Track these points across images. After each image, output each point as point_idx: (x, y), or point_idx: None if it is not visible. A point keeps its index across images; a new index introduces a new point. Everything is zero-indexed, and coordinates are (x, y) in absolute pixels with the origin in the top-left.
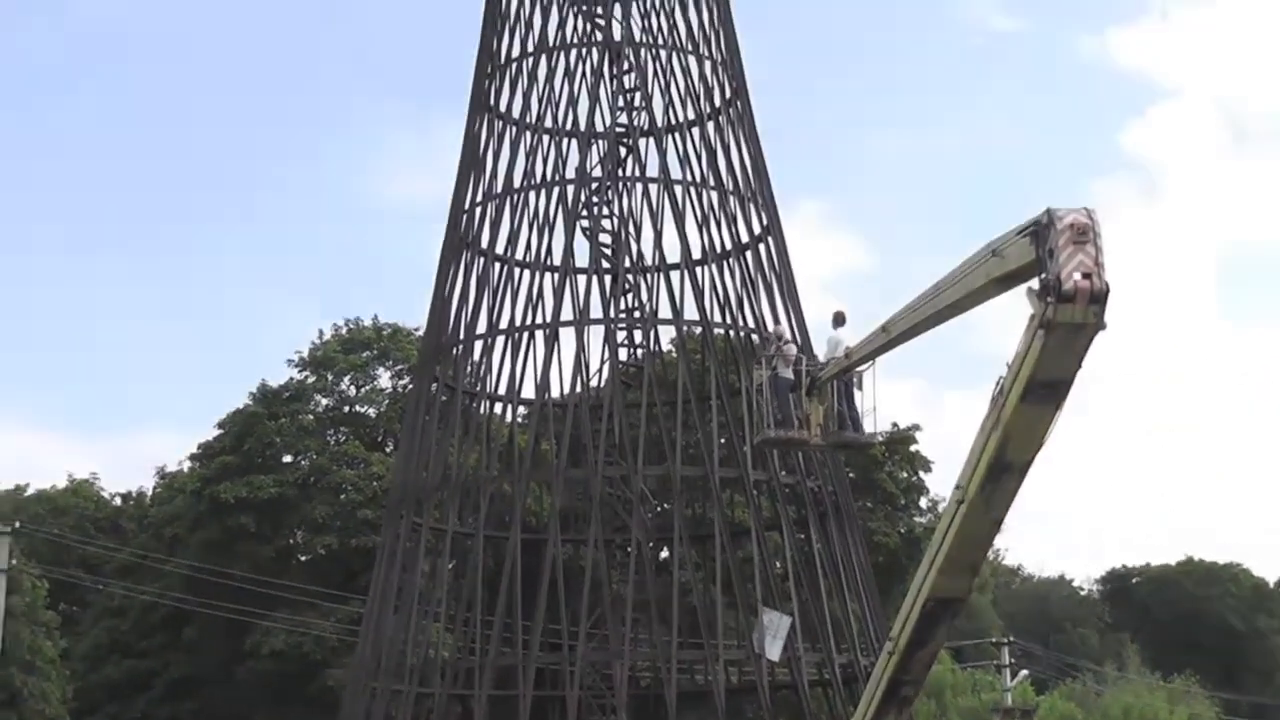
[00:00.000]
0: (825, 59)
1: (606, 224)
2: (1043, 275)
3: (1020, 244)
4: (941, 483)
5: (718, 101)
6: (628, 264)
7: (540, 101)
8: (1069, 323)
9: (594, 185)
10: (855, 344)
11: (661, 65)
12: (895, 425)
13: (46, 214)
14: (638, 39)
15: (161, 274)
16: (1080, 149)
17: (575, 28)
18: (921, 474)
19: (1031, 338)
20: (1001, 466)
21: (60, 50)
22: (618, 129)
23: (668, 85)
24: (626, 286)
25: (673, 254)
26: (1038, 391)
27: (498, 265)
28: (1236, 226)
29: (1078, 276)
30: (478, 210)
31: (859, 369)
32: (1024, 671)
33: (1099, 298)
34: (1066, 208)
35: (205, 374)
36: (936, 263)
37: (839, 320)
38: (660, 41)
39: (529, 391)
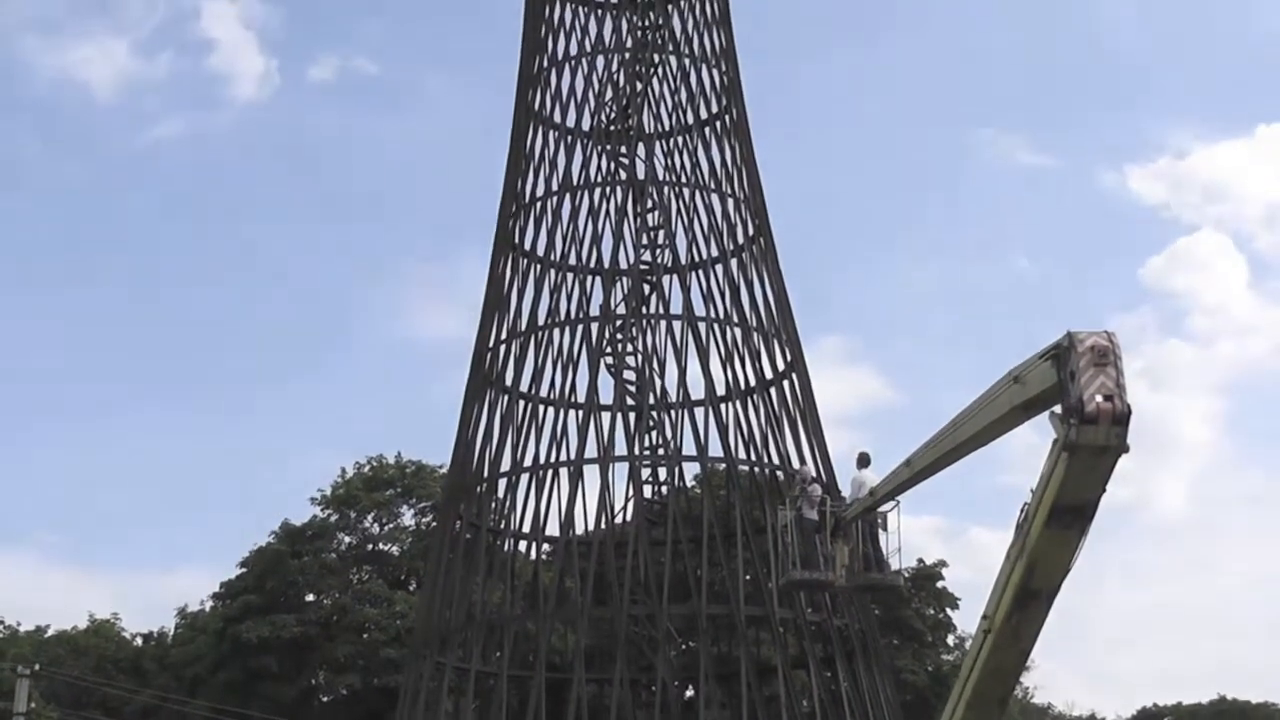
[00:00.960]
0: (849, 191)
1: (630, 361)
2: (1065, 399)
3: (1042, 368)
4: (968, 619)
5: (740, 239)
6: (652, 401)
7: (564, 240)
8: (1092, 445)
9: (618, 322)
10: (880, 480)
11: (685, 203)
12: (921, 561)
13: (74, 361)
14: (661, 177)
15: (184, 413)
16: (1103, 283)
17: (599, 167)
18: (948, 610)
19: (1055, 461)
20: (1028, 594)
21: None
22: (641, 266)
23: (691, 223)
24: (651, 423)
25: (697, 390)
26: (1063, 516)
27: (522, 403)
28: (1255, 358)
29: (1099, 398)
30: (502, 348)
31: (884, 509)
32: None
33: (1121, 419)
34: (1087, 331)
35: (228, 512)
36: (960, 396)
37: (863, 461)
38: (683, 180)
39: (553, 529)
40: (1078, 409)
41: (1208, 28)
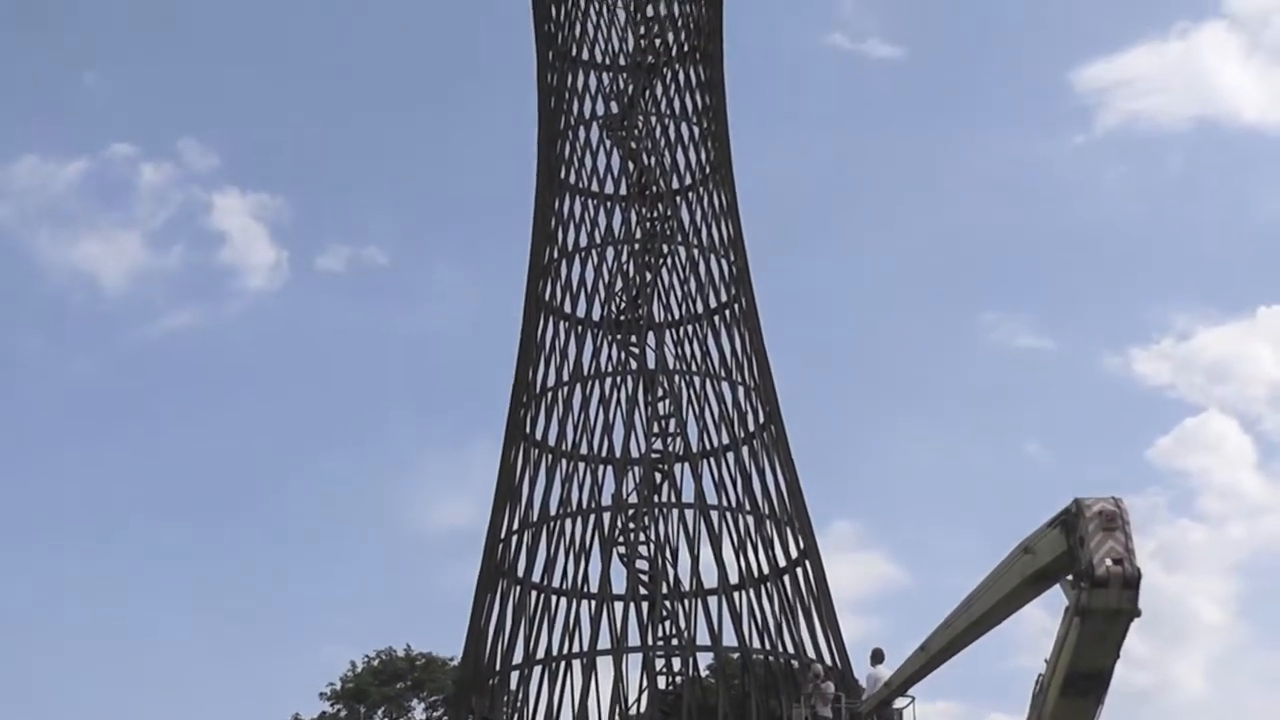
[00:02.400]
0: (857, 376)
1: (643, 550)
2: (1075, 564)
3: (1051, 536)
4: None
5: (751, 426)
6: (665, 590)
7: (575, 429)
8: (1104, 609)
9: (630, 512)
10: (895, 670)
11: (695, 392)
12: None
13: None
14: (671, 366)
15: (187, 605)
16: (1111, 464)
17: (610, 356)
18: None
19: (1068, 627)
20: None
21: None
22: (653, 455)
23: (702, 411)
24: (664, 613)
25: (710, 579)
26: (1078, 683)
27: (534, 593)
28: (1267, 539)
29: (1109, 562)
30: (514, 538)
31: (899, 704)
32: None
33: (1132, 583)
34: (1094, 497)
35: (235, 706)
36: (974, 579)
37: (877, 658)
38: (694, 368)
39: None
40: (1088, 573)
41: (1206, 212)
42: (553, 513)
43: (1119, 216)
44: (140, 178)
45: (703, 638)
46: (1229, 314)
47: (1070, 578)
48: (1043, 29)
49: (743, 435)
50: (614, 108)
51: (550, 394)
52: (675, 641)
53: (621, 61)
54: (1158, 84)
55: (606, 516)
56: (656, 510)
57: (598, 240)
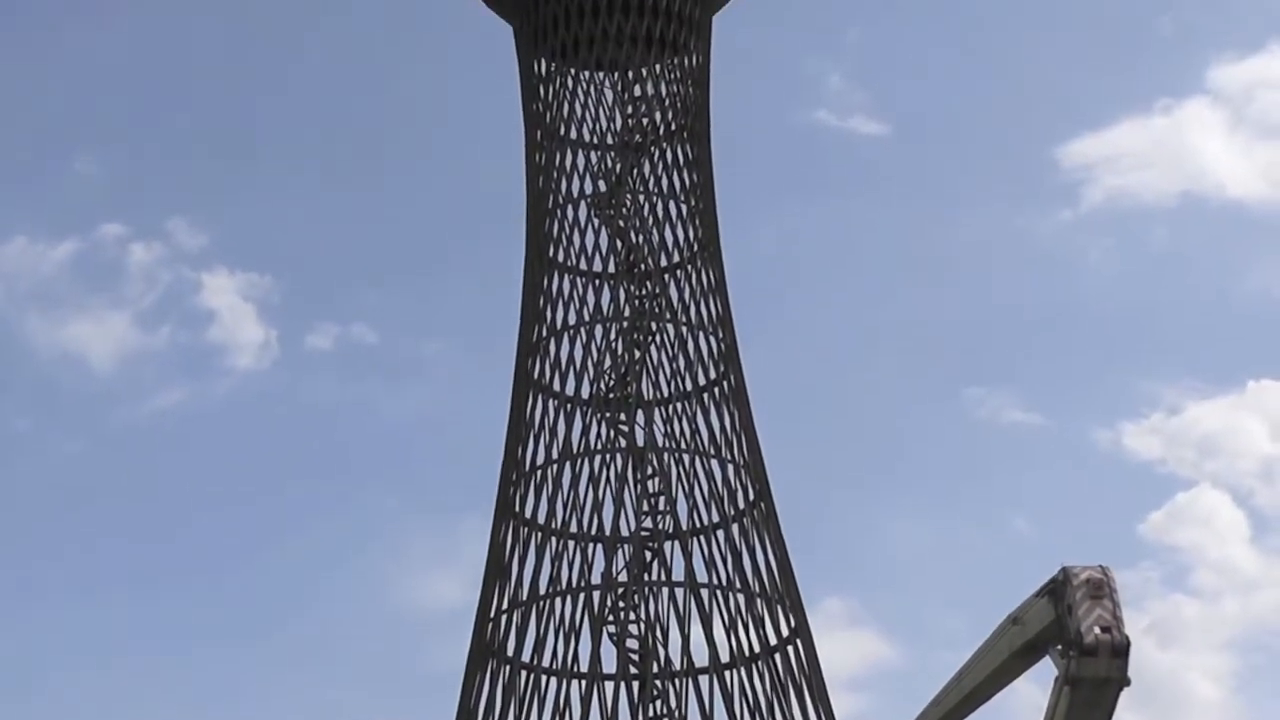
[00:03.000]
0: (845, 454)
1: (633, 629)
2: (1063, 632)
3: (1039, 605)
4: None
5: (741, 504)
6: (656, 670)
7: (565, 507)
8: (1093, 677)
9: (620, 591)
10: None
11: (685, 469)
12: None
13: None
14: (661, 444)
15: (170, 677)
16: (1103, 539)
17: (599, 434)
18: None
19: (1058, 697)
20: None
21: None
22: (643, 533)
23: (691, 489)
24: (655, 693)
25: (701, 658)
26: None
27: (524, 673)
28: (1261, 615)
29: (1098, 630)
30: (503, 617)
31: None
32: None
33: (1121, 650)
34: (1081, 565)
35: None
36: (963, 655)
37: None
38: (683, 446)
39: None
40: (1076, 641)
41: (1193, 286)
42: (542, 591)
43: (1106, 291)
44: (130, 257)
45: (694, 717)
46: (1218, 388)
47: (1059, 646)
48: (1027, 105)
49: (733, 513)
50: (602, 186)
51: (540, 472)
52: None
53: (610, 140)
54: (1143, 160)
55: (596, 595)
56: (647, 589)
57: (586, 318)
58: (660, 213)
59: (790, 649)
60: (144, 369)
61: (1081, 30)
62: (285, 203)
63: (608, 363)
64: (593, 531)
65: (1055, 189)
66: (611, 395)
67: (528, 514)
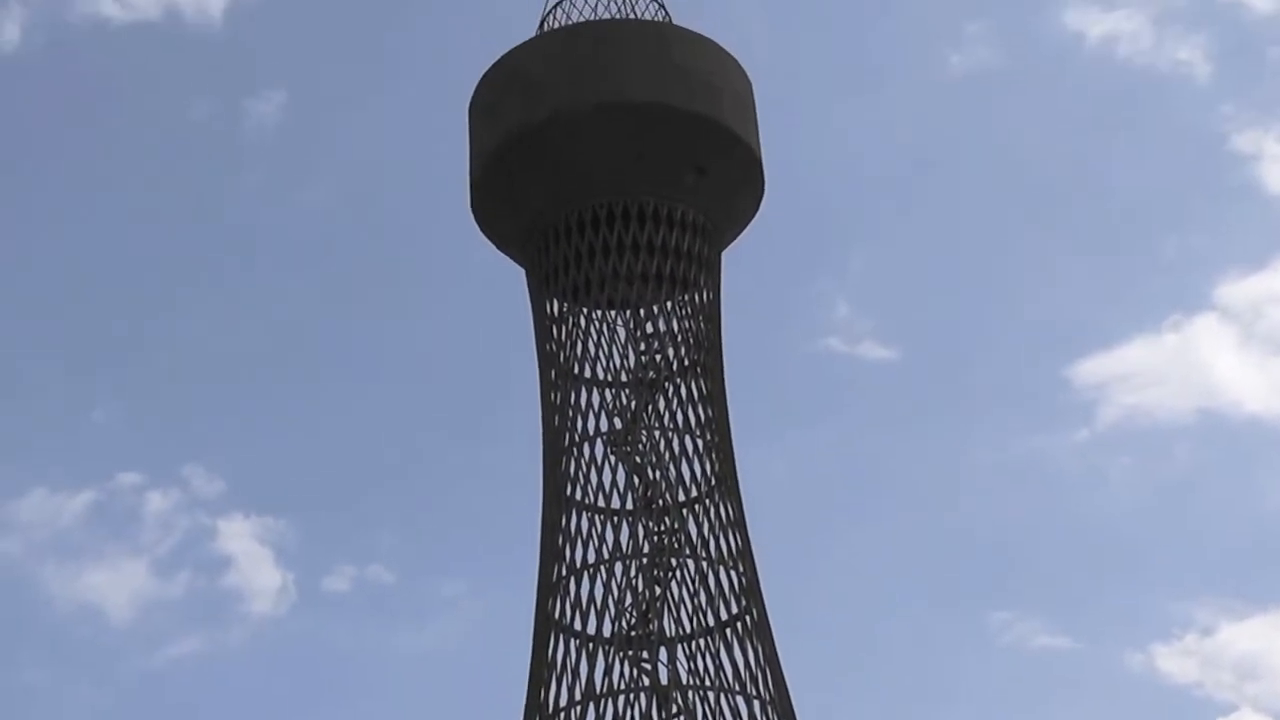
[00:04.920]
0: (870, 684)
1: None
2: None
3: None
4: None
5: None
6: None
7: None
8: None
9: None
10: None
11: (709, 707)
12: None
13: None
14: (684, 682)
15: None
16: None
17: (622, 674)
18: None
19: None
20: None
21: None
22: None
23: None
24: None
25: None
26: None
27: None
28: None
29: None
30: None
31: None
32: None
33: None
34: None
35: None
36: None
37: None
38: (707, 683)
39: None
40: None
41: (1218, 503)
42: None
43: (1129, 510)
44: (146, 505)
45: None
46: (1253, 607)
47: None
48: (1035, 327)
49: None
50: (618, 423)
51: (563, 714)
52: None
53: (624, 378)
54: (1156, 377)
55: None
56: None
57: (606, 556)
58: (676, 448)
59: None
60: (160, 617)
61: (1088, 253)
62: (300, 445)
63: (628, 600)
64: None
65: (1068, 408)
66: (633, 633)
67: None
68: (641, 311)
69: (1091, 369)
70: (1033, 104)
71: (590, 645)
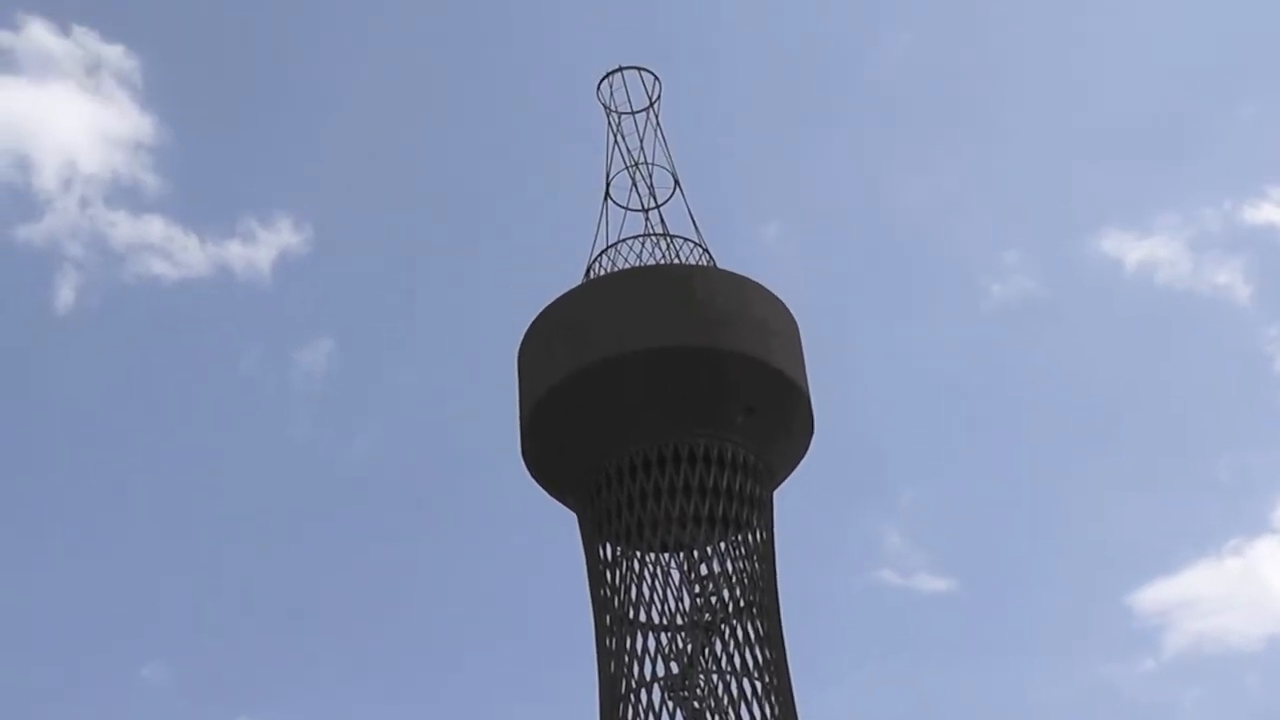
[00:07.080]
0: None
1: None
2: None
3: None
4: None
5: None
6: None
7: None
8: None
9: None
10: None
11: None
12: None
13: None
14: None
15: None
16: None
17: None
18: None
19: None
20: None
21: None
22: None
23: None
24: None
25: None
26: None
27: None
28: None
29: None
30: None
31: None
32: None
33: None
34: None
35: None
36: None
37: None
38: None
39: None
40: None
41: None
42: None
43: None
44: None
45: None
46: None
47: None
48: (1091, 553)
49: None
50: (674, 668)
51: None
52: None
53: (679, 621)
54: (1221, 603)
55: None
56: None
57: None
58: (735, 692)
59: None
60: None
61: (1140, 477)
62: (349, 695)
63: None
64: None
65: (1132, 637)
66: None
67: None
68: (695, 553)
69: (1153, 596)
70: (1076, 330)
71: None
